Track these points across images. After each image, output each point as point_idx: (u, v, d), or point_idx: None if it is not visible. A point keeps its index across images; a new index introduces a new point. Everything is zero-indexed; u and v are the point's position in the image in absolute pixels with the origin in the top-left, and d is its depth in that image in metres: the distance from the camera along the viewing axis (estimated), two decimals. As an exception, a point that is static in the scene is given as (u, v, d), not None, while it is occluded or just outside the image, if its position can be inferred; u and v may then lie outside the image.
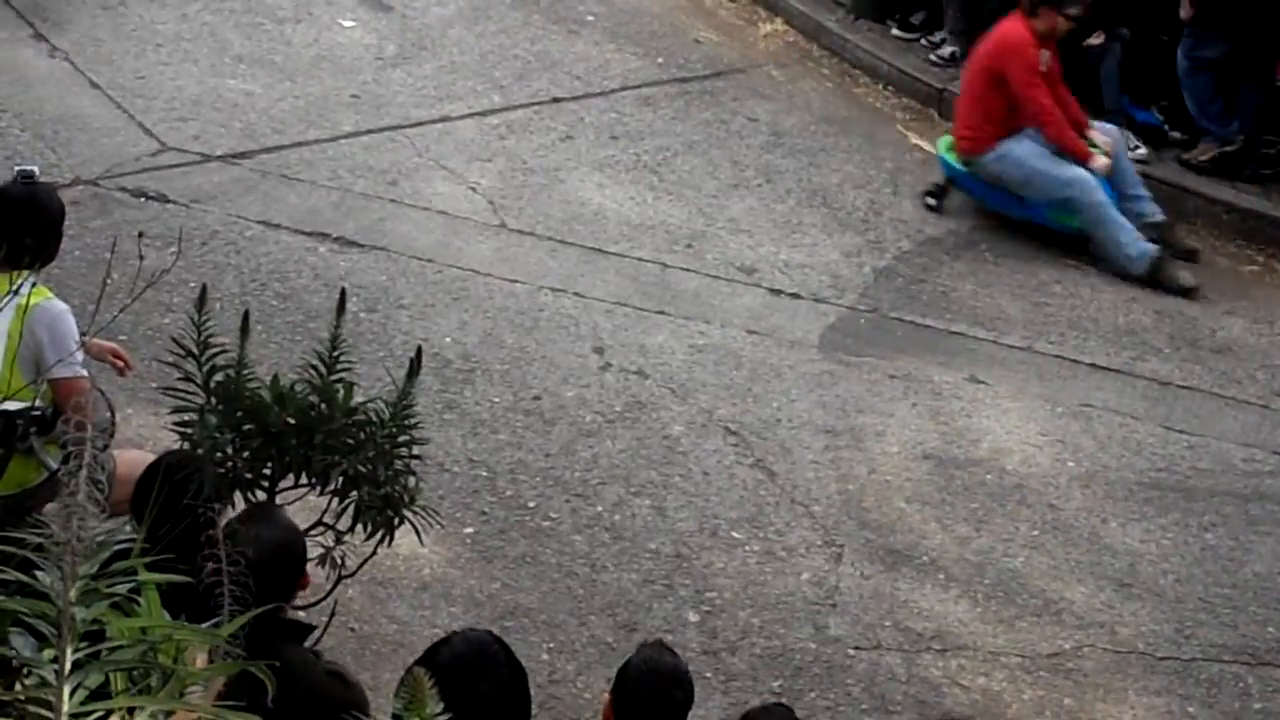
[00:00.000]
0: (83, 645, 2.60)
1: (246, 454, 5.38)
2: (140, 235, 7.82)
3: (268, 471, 5.44)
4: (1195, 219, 10.21)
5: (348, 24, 10.79)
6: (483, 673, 4.24)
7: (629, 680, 4.69)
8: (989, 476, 7.82)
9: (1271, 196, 10.27)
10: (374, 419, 5.41)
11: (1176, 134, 10.62)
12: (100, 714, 2.54)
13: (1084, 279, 9.42)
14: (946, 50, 11.17)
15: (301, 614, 4.98)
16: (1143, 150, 10.42)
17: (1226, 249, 10.06)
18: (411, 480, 5.53)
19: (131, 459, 5.74)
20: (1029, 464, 7.95)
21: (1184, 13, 10.01)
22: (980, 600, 7.11)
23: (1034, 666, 6.82)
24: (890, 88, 11.07)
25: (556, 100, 10.34)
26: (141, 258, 7.03)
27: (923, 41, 11.38)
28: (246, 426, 5.36)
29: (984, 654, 6.84)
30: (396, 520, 5.53)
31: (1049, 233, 9.60)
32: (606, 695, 4.75)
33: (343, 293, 5.58)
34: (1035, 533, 7.52)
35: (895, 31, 11.53)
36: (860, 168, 10.10)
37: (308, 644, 4.77)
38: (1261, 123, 10.37)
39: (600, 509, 7.31)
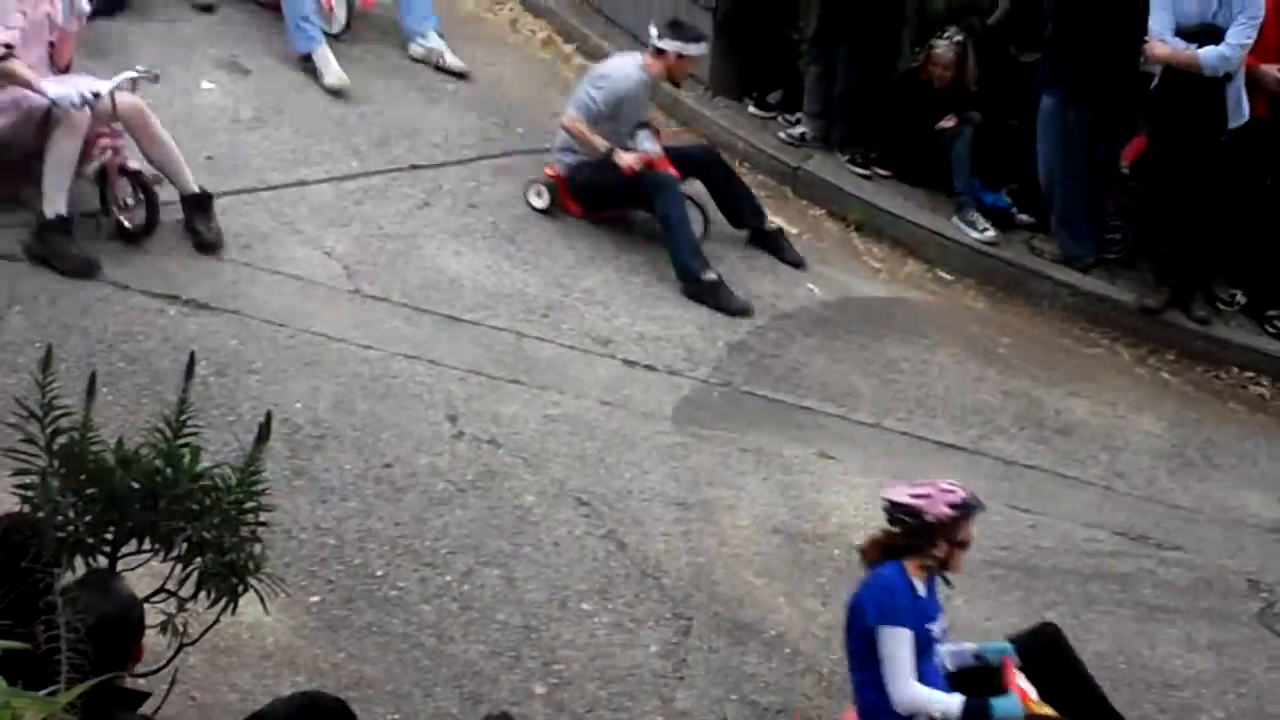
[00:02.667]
0: (-86, 713, 2.55)
1: (89, 518, 5.29)
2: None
3: (110, 536, 5.36)
4: (1041, 301, 10.39)
5: (206, 86, 10.72)
6: None
7: None
8: (837, 551, 7.88)
9: (1116, 281, 10.48)
10: (220, 485, 5.36)
11: (1025, 217, 10.82)
12: (-70, 783, 2.49)
13: (931, 357, 9.56)
14: (799, 130, 11.31)
15: (142, 681, 4.91)
16: (991, 232, 10.61)
17: (1072, 331, 10.26)
18: (257, 547, 5.47)
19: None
20: (876, 540, 8.00)
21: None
22: (825, 675, 7.14)
23: (878, 742, 6.85)
24: (746, 164, 11.18)
25: (415, 167, 10.33)
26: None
27: (779, 119, 11.52)
28: (89, 490, 5.28)
29: (829, 729, 6.87)
30: (241, 588, 5.46)
31: (898, 310, 9.71)
32: None
33: (191, 356, 5.53)
34: (881, 608, 7.57)
35: (752, 109, 11.67)
36: (715, 243, 10.17)
37: (141, 710, 4.71)
38: (1109, 213, 10.60)
39: (449, 579, 7.27)
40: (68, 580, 4.87)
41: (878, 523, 8.01)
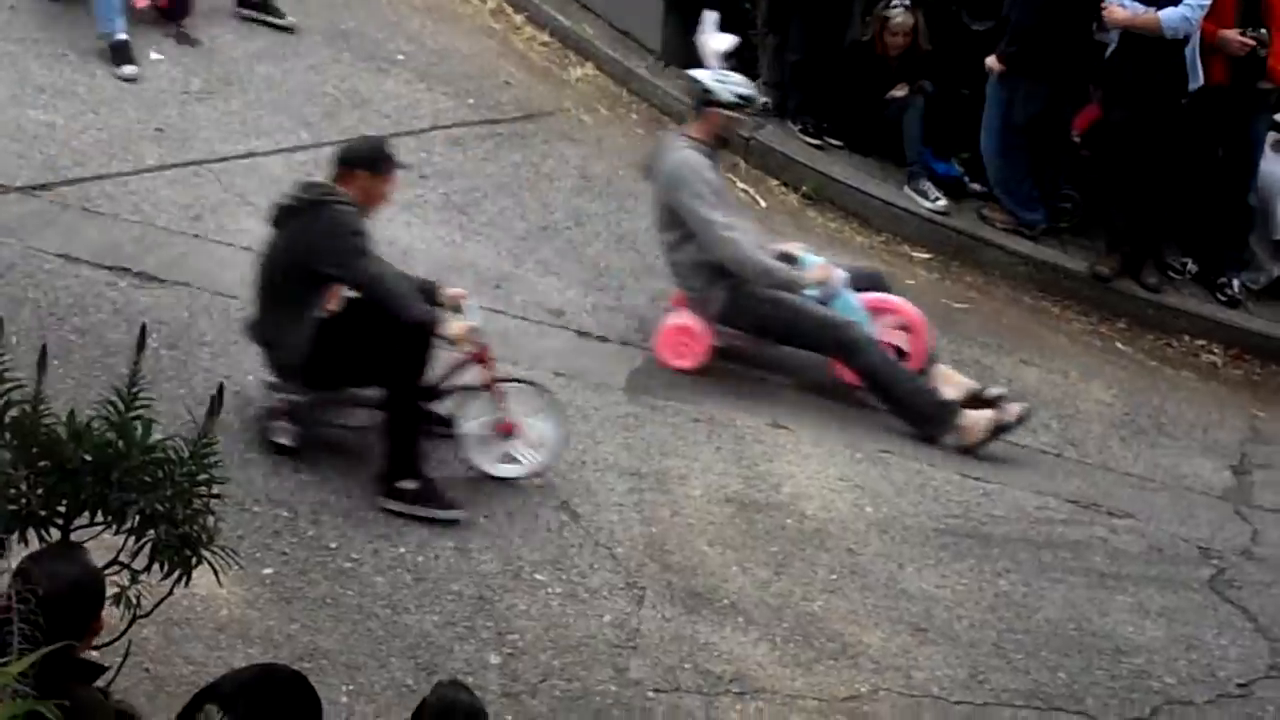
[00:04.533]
0: None
1: (40, 490, 5.27)
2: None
3: (62, 509, 5.34)
4: (993, 270, 10.43)
5: (154, 57, 10.64)
6: (272, 701, 4.20)
7: (424, 719, 4.67)
8: (789, 521, 7.90)
9: (1068, 249, 10.54)
10: (173, 457, 5.33)
11: (976, 186, 10.85)
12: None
13: (885, 327, 9.58)
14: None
15: (95, 654, 4.88)
16: (943, 202, 10.64)
17: (1023, 300, 10.31)
18: (210, 519, 5.45)
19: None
20: (828, 509, 8.05)
21: (994, 65, 10.20)
22: (779, 643, 7.17)
23: (830, 710, 6.89)
24: (699, 135, 11.15)
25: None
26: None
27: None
28: (41, 463, 5.24)
29: (782, 697, 6.90)
30: (194, 560, 5.44)
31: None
32: None
33: (143, 328, 5.50)
34: (834, 577, 7.61)
35: (702, 78, 11.63)
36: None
37: (98, 684, 4.69)
38: (1061, 182, 10.65)
39: (403, 550, 7.26)
40: (21, 553, 4.85)
41: (830, 492, 8.08)
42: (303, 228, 7.40)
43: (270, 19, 11.21)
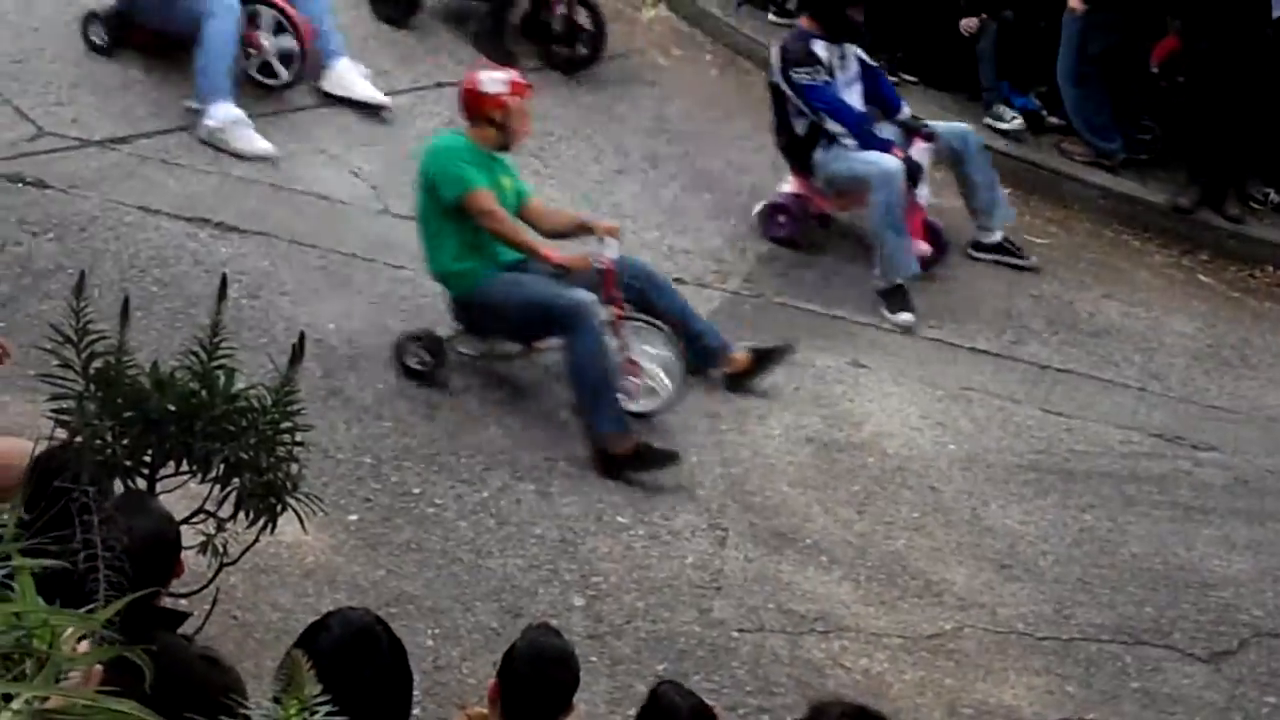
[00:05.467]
0: (-44, 633, 2.57)
1: (126, 441, 5.32)
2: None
3: (147, 458, 5.39)
4: (1073, 204, 10.35)
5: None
6: (365, 657, 4.23)
7: (514, 663, 4.70)
8: (870, 460, 7.89)
9: (1147, 181, 10.44)
10: (256, 405, 5.37)
11: (1054, 119, 10.75)
12: (-25, 702, 2.52)
13: (961, 262, 9.53)
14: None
15: (183, 602, 4.94)
16: (1020, 122, 10.58)
17: (1103, 233, 10.21)
18: (294, 467, 5.49)
19: (7, 447, 5.66)
20: (910, 447, 8.02)
21: (1075, 2, 10.10)
22: (862, 582, 7.17)
23: (915, 647, 6.89)
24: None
25: (440, 85, 10.28)
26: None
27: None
28: (126, 414, 5.30)
29: (866, 635, 6.90)
30: (279, 507, 5.49)
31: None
32: (492, 680, 4.76)
33: (223, 278, 5.53)
34: (916, 515, 7.59)
35: (772, 17, 11.57)
36: (743, 153, 10.14)
37: (182, 630, 4.74)
38: (1140, 113, 10.54)
39: (485, 495, 7.30)
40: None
41: (911, 430, 8.05)
42: None
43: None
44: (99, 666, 2.83)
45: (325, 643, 4.22)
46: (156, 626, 4.42)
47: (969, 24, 10.57)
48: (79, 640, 2.74)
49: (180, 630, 4.70)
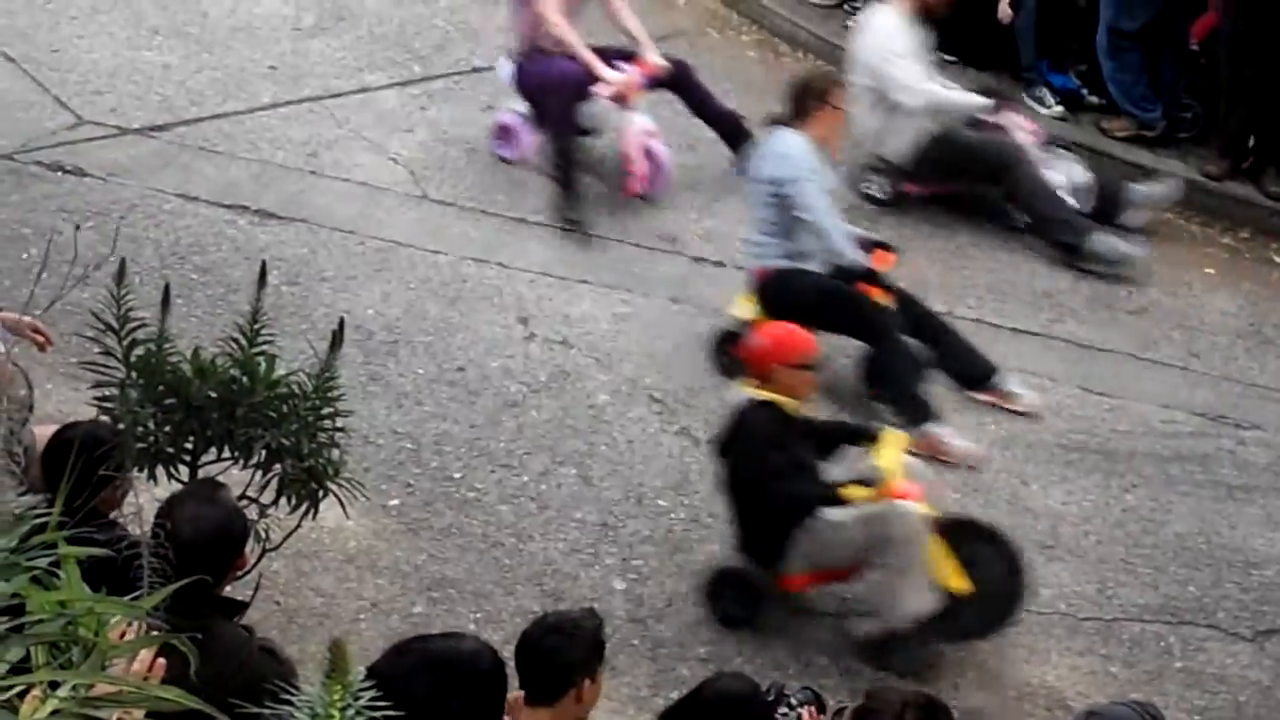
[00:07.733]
0: (3, 620, 2.58)
1: (168, 428, 5.35)
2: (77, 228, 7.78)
3: (190, 445, 5.42)
4: (1113, 183, 10.27)
5: (265, -6, 10.71)
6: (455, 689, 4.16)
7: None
8: (911, 441, 7.86)
9: (1188, 160, 10.35)
10: (297, 392, 5.40)
11: (1094, 98, 10.68)
12: (21, 688, 2.53)
13: (1001, 243, 9.48)
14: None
15: (228, 588, 4.96)
16: (1060, 108, 10.51)
17: (1144, 212, 10.14)
18: (335, 453, 5.52)
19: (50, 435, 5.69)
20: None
21: None
22: (904, 563, 7.14)
23: (958, 628, 6.85)
24: (810, 55, 11.08)
25: (477, 70, 10.29)
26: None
27: (844, 8, 11.40)
28: (168, 400, 5.33)
29: (909, 617, 6.87)
30: (321, 493, 5.52)
31: (966, 199, 9.63)
32: None
33: (263, 265, 5.56)
34: (956, 495, 7.56)
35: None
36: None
37: (243, 623, 4.75)
38: (1180, 91, 10.46)
39: (526, 479, 7.31)
40: (145, 490, 4.92)
41: (950, 410, 8.01)
42: None
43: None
44: (162, 660, 2.84)
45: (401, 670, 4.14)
46: (213, 614, 4.44)
47: (1005, 13, 10.50)
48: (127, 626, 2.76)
49: (240, 622, 4.71)
